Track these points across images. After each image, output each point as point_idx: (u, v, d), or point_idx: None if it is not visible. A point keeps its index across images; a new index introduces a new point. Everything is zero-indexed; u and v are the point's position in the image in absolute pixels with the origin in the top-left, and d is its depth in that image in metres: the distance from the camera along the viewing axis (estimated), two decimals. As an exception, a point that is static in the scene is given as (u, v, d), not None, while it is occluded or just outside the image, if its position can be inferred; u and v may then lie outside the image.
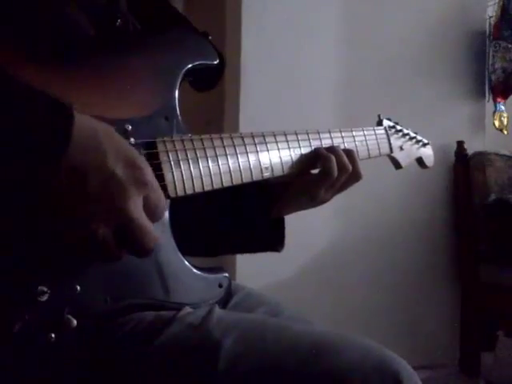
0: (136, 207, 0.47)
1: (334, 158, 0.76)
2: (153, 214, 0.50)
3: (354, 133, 0.85)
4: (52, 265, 0.51)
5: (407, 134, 0.98)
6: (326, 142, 0.79)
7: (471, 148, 2.18)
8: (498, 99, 2.32)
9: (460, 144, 2.17)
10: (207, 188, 0.61)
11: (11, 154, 0.43)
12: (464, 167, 2.16)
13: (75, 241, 0.46)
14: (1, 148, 0.43)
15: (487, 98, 2.33)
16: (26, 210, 0.45)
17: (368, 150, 0.87)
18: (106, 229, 0.46)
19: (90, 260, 0.51)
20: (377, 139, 0.90)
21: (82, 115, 0.46)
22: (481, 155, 2.15)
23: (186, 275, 0.63)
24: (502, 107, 2.33)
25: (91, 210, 0.45)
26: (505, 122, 2.34)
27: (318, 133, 0.79)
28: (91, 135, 0.46)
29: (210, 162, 0.62)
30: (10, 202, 0.45)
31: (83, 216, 0.45)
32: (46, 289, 0.50)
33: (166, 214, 0.62)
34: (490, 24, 2.33)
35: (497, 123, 2.33)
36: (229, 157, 0.65)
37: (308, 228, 1.75)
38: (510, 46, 2.28)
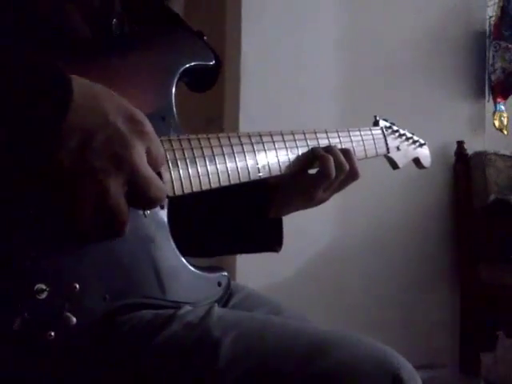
0: (141, 158, 0.48)
1: (331, 158, 0.76)
2: (155, 163, 0.51)
3: (350, 133, 0.85)
4: (51, 262, 0.51)
5: (404, 135, 0.98)
6: (323, 142, 0.79)
7: (471, 148, 2.18)
8: (498, 99, 2.32)
9: (460, 144, 2.17)
10: (205, 187, 0.62)
11: (12, 120, 0.43)
12: (464, 167, 2.16)
13: (85, 203, 0.46)
14: (1, 114, 0.43)
15: (487, 98, 2.33)
16: (31, 174, 0.46)
17: (365, 150, 0.87)
18: (116, 183, 0.47)
19: (103, 229, 0.50)
20: (373, 139, 0.90)
21: (78, 77, 0.47)
22: (481, 155, 2.15)
23: (185, 274, 0.63)
24: (502, 107, 2.33)
25: (99, 165, 0.46)
26: (505, 122, 2.34)
27: (315, 133, 0.79)
28: (90, 94, 0.47)
29: (207, 161, 0.62)
30: (13, 173, 0.45)
31: (93, 172, 0.46)
32: (44, 286, 0.50)
33: (165, 214, 0.62)
34: (489, 24, 2.33)
35: (497, 123, 2.33)
36: (226, 156, 0.65)
37: (307, 228, 1.76)
38: (509, 46, 2.28)
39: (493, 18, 2.33)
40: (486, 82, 2.33)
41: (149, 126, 0.50)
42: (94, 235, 0.50)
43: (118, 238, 0.50)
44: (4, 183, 0.45)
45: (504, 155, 2.20)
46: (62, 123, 0.44)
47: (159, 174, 0.57)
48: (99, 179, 0.46)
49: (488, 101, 2.33)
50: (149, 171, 0.49)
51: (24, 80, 0.44)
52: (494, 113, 2.33)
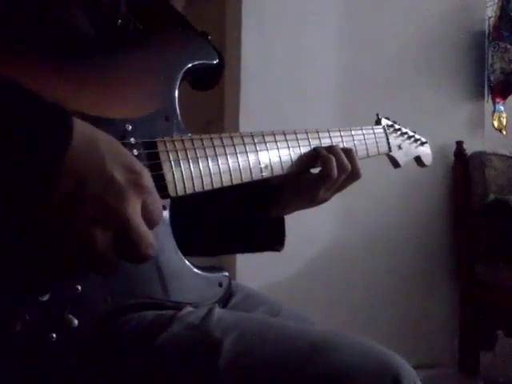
0: (134, 211, 0.47)
1: (333, 159, 0.76)
2: (150, 219, 0.49)
3: (352, 132, 0.85)
4: (52, 264, 0.51)
5: (405, 133, 0.98)
6: (325, 142, 0.79)
7: (470, 148, 2.18)
8: (497, 99, 2.32)
9: (459, 144, 2.17)
10: (207, 187, 0.62)
11: (9, 159, 0.43)
12: (463, 167, 2.16)
13: (74, 248, 0.46)
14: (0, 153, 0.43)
15: (486, 99, 2.33)
16: (25, 216, 0.45)
17: (367, 148, 0.87)
18: (105, 233, 0.46)
19: (89, 270, 0.49)
20: (375, 138, 0.90)
21: (81, 121, 0.46)
22: (480, 155, 2.15)
23: (186, 274, 0.63)
24: (501, 107, 2.33)
25: (90, 215, 0.45)
26: (504, 123, 2.34)
27: (317, 132, 0.79)
28: (90, 141, 0.46)
29: (209, 161, 0.62)
30: (10, 208, 0.45)
31: (83, 221, 0.45)
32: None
33: (167, 214, 0.62)
34: (489, 24, 2.33)
35: (496, 123, 2.33)
36: (228, 156, 0.65)
37: (308, 228, 1.76)
38: (509, 46, 2.28)
39: (492, 19, 2.33)
40: (485, 83, 2.33)
41: (147, 178, 0.49)
42: (82, 270, 0.49)
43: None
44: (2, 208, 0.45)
45: (503, 155, 2.20)
46: (58, 168, 0.44)
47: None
48: (88, 229, 0.45)
49: (487, 101, 2.33)
50: (141, 227, 0.47)
51: (25, 120, 0.44)
52: (493, 113, 2.33)
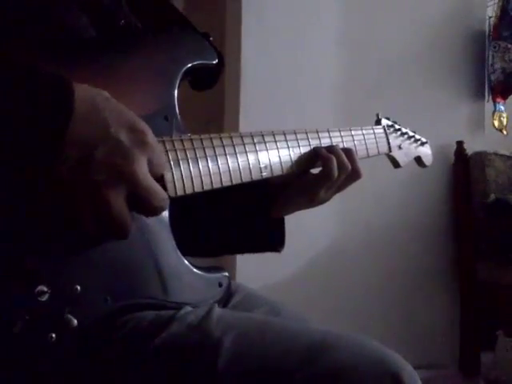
0: (142, 169, 0.48)
1: (334, 158, 0.76)
2: (156, 173, 0.51)
3: (352, 132, 0.85)
4: (52, 264, 0.51)
5: (406, 133, 0.98)
6: (325, 142, 0.79)
7: (471, 148, 2.18)
8: (498, 99, 2.32)
9: (460, 144, 2.17)
10: (206, 187, 0.62)
11: (13, 131, 0.43)
12: (464, 167, 2.16)
13: (90, 213, 0.46)
14: (2, 127, 0.43)
15: (487, 98, 2.33)
16: (32, 188, 0.45)
17: (367, 149, 0.87)
18: (118, 194, 0.47)
19: (104, 237, 0.50)
20: (375, 138, 0.90)
21: (81, 86, 0.47)
22: (480, 155, 2.15)
23: (186, 274, 0.63)
24: (502, 107, 2.33)
25: (100, 178, 0.46)
26: (504, 122, 2.34)
27: (317, 132, 0.79)
28: (92, 105, 0.47)
29: (209, 161, 0.62)
30: (15, 181, 0.45)
31: (94, 184, 0.46)
32: (46, 288, 0.50)
33: (166, 214, 0.62)
34: (489, 24, 2.33)
35: (496, 123, 2.33)
36: (228, 156, 0.65)
37: (308, 228, 1.75)
38: (509, 46, 2.28)
39: (492, 18, 2.33)
40: (486, 82, 2.33)
41: (151, 136, 0.50)
42: (97, 238, 0.50)
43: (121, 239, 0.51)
44: (5, 189, 0.45)
45: (503, 155, 2.20)
46: (63, 135, 0.44)
47: (161, 176, 0.57)
48: (100, 192, 0.46)
49: (487, 101, 2.33)
50: (150, 181, 0.49)
51: (26, 90, 0.44)
52: (494, 113, 2.33)
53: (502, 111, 2.34)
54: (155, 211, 0.51)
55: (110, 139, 0.47)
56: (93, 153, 0.45)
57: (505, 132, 2.35)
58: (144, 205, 0.49)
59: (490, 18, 2.33)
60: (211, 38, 0.70)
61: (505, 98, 2.33)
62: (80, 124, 0.45)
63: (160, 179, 0.53)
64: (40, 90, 0.45)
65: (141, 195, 0.48)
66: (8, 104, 0.43)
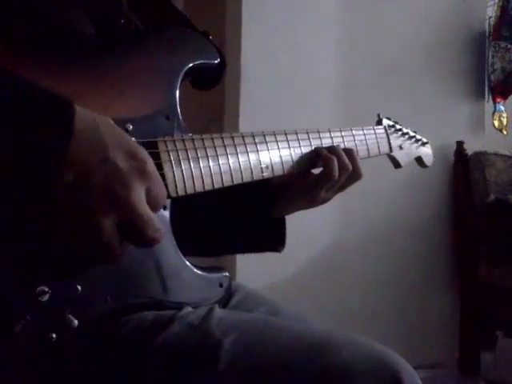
0: (139, 198, 0.47)
1: (334, 159, 0.76)
2: (154, 204, 0.49)
3: (353, 132, 0.85)
4: (52, 264, 0.51)
5: (406, 133, 0.98)
6: (326, 142, 0.79)
7: (471, 148, 2.18)
8: (498, 99, 2.32)
9: (460, 144, 2.17)
10: (208, 187, 0.61)
11: (12, 151, 0.43)
12: (464, 167, 2.16)
13: (79, 239, 0.46)
14: (1, 145, 0.42)
15: (487, 98, 2.33)
16: (27, 208, 0.45)
17: (368, 149, 0.87)
18: (111, 222, 0.46)
19: (94, 261, 0.50)
20: (376, 138, 0.90)
21: (82, 109, 0.46)
22: (480, 155, 2.15)
23: (187, 275, 0.63)
24: (502, 107, 2.33)
25: (95, 204, 0.45)
26: (504, 122, 2.34)
27: (318, 132, 0.79)
28: (92, 129, 0.46)
29: (210, 161, 0.62)
30: (11, 200, 0.45)
31: (87, 211, 0.45)
32: (46, 289, 0.50)
33: (167, 214, 0.62)
34: (489, 24, 2.33)
35: (496, 123, 2.33)
36: (229, 156, 0.65)
37: (308, 228, 1.75)
38: (509, 46, 2.28)
39: (492, 19, 2.33)
40: (486, 82, 2.33)
41: (150, 164, 0.49)
42: (90, 262, 0.49)
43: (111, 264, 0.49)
44: (5, 194, 0.45)
45: (504, 155, 2.20)
46: (61, 157, 0.43)
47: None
48: (93, 217, 0.45)
49: (487, 101, 2.33)
50: (146, 212, 0.47)
51: (26, 110, 0.44)
52: (494, 113, 2.33)
53: (501, 111, 2.34)
54: (148, 242, 0.48)
55: (108, 164, 0.46)
56: (90, 176, 0.45)
57: (505, 132, 2.35)
58: (137, 235, 0.47)
59: (490, 17, 2.33)
60: (210, 37, 0.70)
61: (505, 98, 2.33)
62: (79, 146, 0.44)
63: (158, 211, 0.51)
64: (41, 110, 0.44)
65: (134, 225, 0.47)
66: (7, 123, 0.43)
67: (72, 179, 0.44)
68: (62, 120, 0.44)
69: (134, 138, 0.57)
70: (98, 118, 0.47)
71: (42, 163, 0.43)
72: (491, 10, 2.34)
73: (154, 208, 0.49)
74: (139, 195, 0.47)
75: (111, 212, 0.46)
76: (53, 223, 0.45)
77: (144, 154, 0.49)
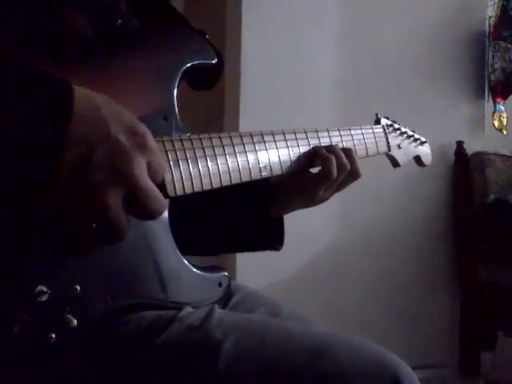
0: (141, 172, 0.48)
1: (333, 158, 0.76)
2: (155, 176, 0.50)
3: (352, 131, 0.85)
4: (52, 264, 0.51)
5: (405, 133, 0.98)
6: (325, 141, 0.79)
7: (471, 148, 2.18)
8: (498, 99, 2.32)
9: (460, 144, 2.17)
10: (206, 187, 0.61)
11: (13, 133, 0.43)
12: (464, 167, 2.16)
13: (85, 216, 0.46)
14: (2, 128, 0.43)
15: (487, 98, 2.33)
16: (31, 190, 0.45)
17: (366, 148, 0.87)
18: (116, 197, 0.46)
19: (100, 239, 0.50)
20: (375, 138, 0.90)
21: (80, 88, 0.47)
22: (480, 155, 2.15)
23: (186, 275, 0.63)
24: (502, 107, 2.33)
25: (99, 180, 0.45)
26: (504, 122, 2.34)
27: (317, 132, 0.79)
28: (91, 106, 0.46)
29: (208, 161, 0.62)
30: (14, 184, 0.45)
31: (92, 187, 0.45)
32: (45, 289, 0.50)
33: (166, 214, 0.62)
34: (489, 24, 2.33)
35: (496, 123, 2.33)
36: (228, 156, 0.65)
37: (308, 228, 1.76)
38: (509, 46, 2.28)
39: (492, 18, 2.33)
40: (486, 82, 2.33)
41: (150, 139, 0.49)
42: (91, 244, 0.49)
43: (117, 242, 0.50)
44: (5, 189, 0.45)
45: (503, 155, 2.20)
46: (62, 136, 0.44)
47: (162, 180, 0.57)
48: (99, 193, 0.45)
49: (487, 101, 2.33)
50: (149, 184, 0.48)
51: (25, 91, 0.44)
52: (494, 113, 2.33)
53: (501, 111, 2.34)
54: (152, 214, 0.49)
55: (109, 140, 0.46)
56: (92, 153, 0.45)
57: (505, 132, 2.35)
58: (141, 207, 0.48)
59: (490, 17, 2.33)
60: (207, 36, 0.70)
61: (505, 98, 2.33)
62: (79, 125, 0.45)
63: (159, 183, 0.52)
64: (39, 91, 0.44)
65: (139, 197, 0.47)
66: (6, 105, 0.43)
67: (75, 157, 0.45)
68: (61, 99, 0.45)
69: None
70: (97, 95, 0.48)
71: (43, 143, 0.43)
72: (491, 10, 2.34)
73: (155, 179, 0.50)
74: (141, 169, 0.48)
75: (115, 187, 0.46)
76: (58, 203, 0.45)
77: (144, 128, 0.50)
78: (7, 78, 0.44)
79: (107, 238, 0.48)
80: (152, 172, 0.49)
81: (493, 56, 2.29)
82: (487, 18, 2.34)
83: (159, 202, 0.49)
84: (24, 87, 0.44)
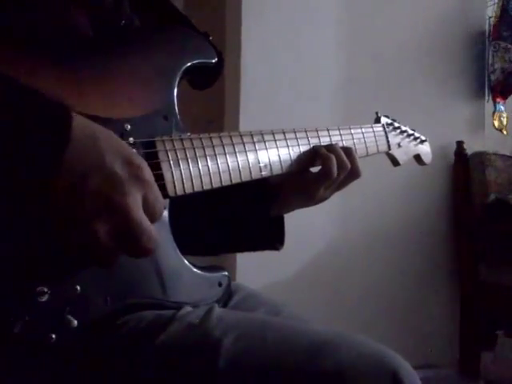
0: (135, 205, 0.47)
1: (333, 157, 0.76)
2: (151, 213, 0.49)
3: (352, 130, 0.85)
4: (52, 265, 0.51)
5: (405, 131, 0.98)
6: (325, 140, 0.79)
7: (471, 148, 2.18)
8: (498, 99, 2.32)
9: (459, 144, 2.17)
10: (206, 187, 0.61)
11: (10, 155, 0.43)
12: (464, 167, 2.16)
13: (75, 243, 0.46)
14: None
15: (487, 98, 2.33)
16: (25, 211, 0.45)
17: (366, 147, 0.87)
18: (107, 228, 0.46)
19: (88, 264, 0.50)
20: (375, 136, 0.90)
21: (80, 116, 0.46)
22: (480, 155, 2.15)
23: (186, 274, 0.63)
24: (502, 107, 2.33)
25: (92, 209, 0.45)
26: (504, 122, 2.34)
27: (317, 131, 0.79)
28: (89, 135, 0.46)
29: (209, 160, 0.62)
30: (9, 204, 0.45)
31: (83, 216, 0.45)
32: (45, 289, 0.50)
33: (166, 213, 0.62)
34: (489, 24, 2.33)
35: (496, 123, 2.33)
36: (228, 156, 0.65)
37: (308, 228, 1.76)
38: (509, 46, 2.28)
39: (492, 18, 2.33)
40: (486, 82, 2.33)
41: (147, 172, 0.49)
42: (83, 263, 0.50)
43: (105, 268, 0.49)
44: (4, 199, 0.45)
45: (503, 155, 2.20)
46: (57, 163, 0.44)
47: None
48: (89, 223, 0.45)
49: (487, 101, 2.33)
50: (142, 220, 0.47)
51: (24, 116, 0.44)
52: (494, 113, 2.33)
53: (501, 111, 2.34)
54: (142, 252, 0.48)
55: (104, 169, 0.46)
56: (86, 183, 0.45)
57: (505, 132, 2.35)
58: (131, 243, 0.47)
59: (490, 18, 2.33)
60: (211, 38, 0.70)
61: (505, 98, 2.33)
62: (76, 153, 0.44)
63: (155, 221, 0.50)
64: (39, 117, 0.44)
65: (130, 232, 0.46)
66: (5, 128, 0.43)
67: (69, 185, 0.44)
68: (59, 127, 0.44)
69: (131, 138, 0.58)
70: (95, 125, 0.47)
71: (39, 169, 0.43)
72: (491, 10, 2.34)
73: (152, 215, 0.49)
74: (136, 201, 0.47)
75: (107, 218, 0.45)
76: (51, 227, 0.45)
77: (141, 161, 0.49)
78: (6, 100, 0.44)
79: (94, 264, 0.48)
80: (148, 207, 0.48)
81: (493, 56, 2.29)
82: (487, 18, 2.34)
83: (151, 239, 0.47)
84: (23, 111, 0.44)
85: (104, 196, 0.45)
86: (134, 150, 0.50)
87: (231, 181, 0.65)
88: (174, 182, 0.58)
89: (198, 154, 0.61)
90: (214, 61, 0.70)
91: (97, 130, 0.47)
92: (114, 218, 0.46)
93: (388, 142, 0.93)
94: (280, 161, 0.73)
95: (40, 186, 0.44)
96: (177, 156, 0.58)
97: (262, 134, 0.71)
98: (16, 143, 0.43)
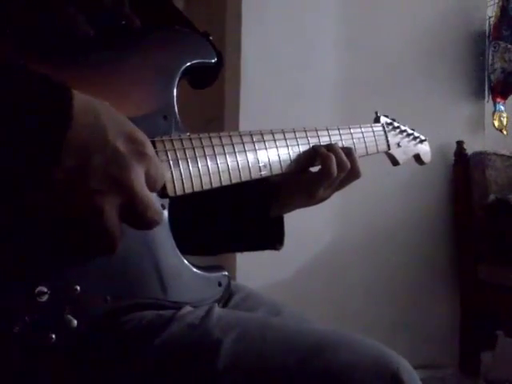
0: (139, 179, 0.47)
1: (333, 157, 0.76)
2: (153, 186, 0.49)
3: (351, 130, 0.85)
4: (51, 265, 0.51)
5: (404, 131, 0.98)
6: (324, 140, 0.79)
7: (471, 148, 2.18)
8: (498, 99, 2.32)
9: (459, 144, 2.17)
10: (206, 187, 0.61)
11: (11, 137, 0.43)
12: (463, 167, 2.16)
13: (80, 223, 0.46)
14: (0, 132, 0.42)
15: (487, 98, 2.33)
16: (28, 195, 0.45)
17: (366, 147, 0.87)
18: (111, 205, 0.46)
19: (92, 253, 0.50)
20: (374, 136, 0.90)
21: (80, 93, 0.46)
22: (480, 155, 2.15)
23: (186, 274, 0.63)
24: (502, 107, 2.33)
25: (96, 186, 0.45)
26: (504, 122, 2.34)
27: (316, 130, 0.79)
28: (91, 112, 0.46)
29: (208, 160, 0.62)
30: (12, 189, 0.45)
31: (88, 194, 0.45)
32: (45, 289, 0.50)
33: (166, 213, 0.62)
34: (489, 24, 2.33)
35: (496, 123, 2.33)
36: (227, 155, 0.65)
37: (308, 228, 1.76)
38: (509, 46, 2.28)
39: (492, 18, 2.33)
40: (486, 82, 2.33)
41: (149, 147, 0.49)
42: (86, 250, 0.49)
43: (109, 254, 0.49)
44: (3, 191, 0.45)
45: (503, 155, 2.20)
46: (60, 142, 0.44)
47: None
48: (94, 200, 0.45)
49: (487, 101, 2.33)
50: (146, 193, 0.48)
51: (24, 96, 0.44)
52: (494, 113, 2.33)
53: (501, 111, 2.34)
54: (149, 224, 0.49)
55: (107, 147, 0.46)
56: (90, 160, 0.45)
57: (505, 132, 2.35)
58: (138, 216, 0.48)
59: (490, 17, 2.33)
60: (211, 38, 0.70)
61: (505, 98, 2.33)
62: (78, 131, 0.44)
63: (157, 192, 0.51)
64: (39, 96, 0.44)
65: (135, 206, 0.47)
66: (5, 109, 0.43)
67: (72, 163, 0.44)
68: (60, 105, 0.44)
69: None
70: (97, 101, 0.47)
71: (41, 149, 0.43)
72: (491, 10, 2.34)
73: (152, 189, 0.49)
74: (139, 177, 0.47)
75: (112, 194, 0.46)
76: (54, 209, 0.45)
77: (143, 136, 0.49)
78: (6, 81, 0.44)
79: (99, 249, 0.48)
80: (150, 181, 0.49)
81: (493, 56, 2.29)
82: (487, 18, 2.34)
83: (156, 211, 0.48)
84: (23, 91, 0.44)
85: (108, 173, 0.45)
86: (134, 125, 0.50)
87: (231, 181, 0.65)
88: (173, 182, 0.58)
89: (197, 154, 0.61)
90: (213, 61, 0.70)
91: (99, 107, 0.47)
92: (118, 194, 0.46)
93: (387, 141, 0.93)
94: (279, 161, 0.73)
95: (43, 166, 0.43)
96: (176, 156, 0.58)
97: (261, 134, 0.71)
98: (17, 124, 0.43)
